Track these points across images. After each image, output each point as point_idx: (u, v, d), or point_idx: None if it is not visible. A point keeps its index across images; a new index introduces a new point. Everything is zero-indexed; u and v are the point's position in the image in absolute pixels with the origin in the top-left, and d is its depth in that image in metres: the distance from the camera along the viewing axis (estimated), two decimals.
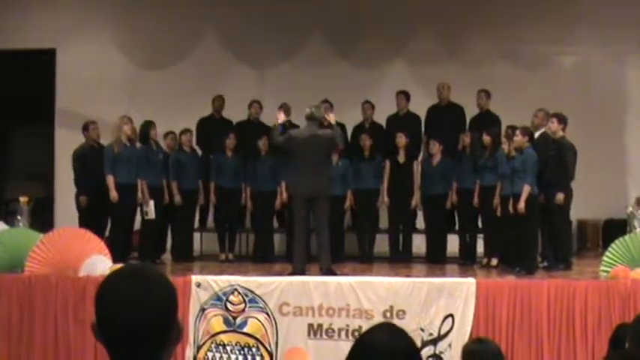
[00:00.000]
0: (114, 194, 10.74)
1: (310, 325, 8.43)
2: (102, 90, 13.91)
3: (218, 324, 8.55)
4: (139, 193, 11.09)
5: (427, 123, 12.54)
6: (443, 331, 8.26)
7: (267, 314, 8.47)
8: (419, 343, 8.18)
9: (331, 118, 10.12)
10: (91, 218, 10.92)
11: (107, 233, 10.97)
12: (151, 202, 11.10)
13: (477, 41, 13.82)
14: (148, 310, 2.11)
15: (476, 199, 11.16)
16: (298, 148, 9.77)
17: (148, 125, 11.48)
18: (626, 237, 8.77)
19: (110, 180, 10.77)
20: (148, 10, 14.21)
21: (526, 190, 9.92)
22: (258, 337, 8.48)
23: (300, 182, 9.76)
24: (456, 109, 12.41)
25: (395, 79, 13.41)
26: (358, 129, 12.46)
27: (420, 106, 12.57)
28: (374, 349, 2.54)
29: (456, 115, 12.33)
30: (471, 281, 8.38)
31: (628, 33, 13.66)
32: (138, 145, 11.37)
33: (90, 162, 11.24)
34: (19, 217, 9.79)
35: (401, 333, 2.61)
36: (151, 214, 11.14)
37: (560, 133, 10.65)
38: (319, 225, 9.77)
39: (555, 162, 10.50)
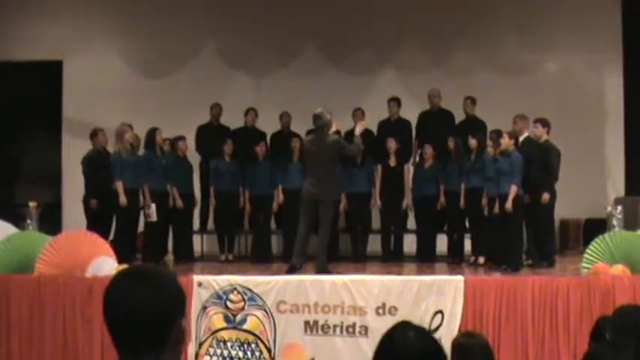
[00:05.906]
0: (123, 199, 10.71)
1: (306, 322, 8.42)
2: (106, 99, 13.95)
3: (219, 321, 8.53)
4: (141, 197, 11.07)
5: (419, 128, 12.53)
6: (433, 326, 8.17)
7: (266, 311, 8.46)
8: None
9: (357, 129, 10.22)
10: (98, 221, 10.92)
11: (112, 236, 10.89)
12: (153, 206, 11.06)
13: (461, 50, 13.83)
14: (149, 306, 2.10)
15: (462, 201, 11.20)
16: (308, 155, 10.06)
17: (154, 131, 11.44)
18: (606, 235, 8.78)
19: (119, 185, 10.75)
20: (149, 23, 14.22)
21: (513, 190, 9.99)
22: (257, 333, 8.47)
23: (308, 185, 9.82)
24: (447, 114, 12.41)
25: (384, 87, 13.47)
26: (350, 135, 12.40)
27: (407, 112, 12.58)
28: (405, 349, 2.47)
29: (447, 121, 12.32)
30: (459, 279, 8.39)
31: (605, 41, 13.69)
32: (141, 151, 11.36)
33: (98, 167, 11.24)
34: (28, 221, 9.84)
35: (429, 335, 2.54)
36: (153, 216, 11.10)
37: (545, 137, 10.79)
38: (320, 226, 9.78)
39: (540, 164, 10.60)
